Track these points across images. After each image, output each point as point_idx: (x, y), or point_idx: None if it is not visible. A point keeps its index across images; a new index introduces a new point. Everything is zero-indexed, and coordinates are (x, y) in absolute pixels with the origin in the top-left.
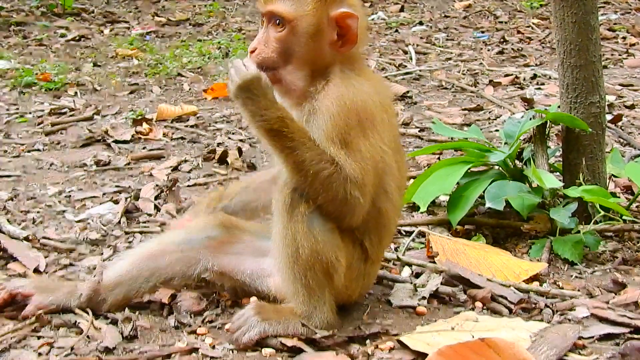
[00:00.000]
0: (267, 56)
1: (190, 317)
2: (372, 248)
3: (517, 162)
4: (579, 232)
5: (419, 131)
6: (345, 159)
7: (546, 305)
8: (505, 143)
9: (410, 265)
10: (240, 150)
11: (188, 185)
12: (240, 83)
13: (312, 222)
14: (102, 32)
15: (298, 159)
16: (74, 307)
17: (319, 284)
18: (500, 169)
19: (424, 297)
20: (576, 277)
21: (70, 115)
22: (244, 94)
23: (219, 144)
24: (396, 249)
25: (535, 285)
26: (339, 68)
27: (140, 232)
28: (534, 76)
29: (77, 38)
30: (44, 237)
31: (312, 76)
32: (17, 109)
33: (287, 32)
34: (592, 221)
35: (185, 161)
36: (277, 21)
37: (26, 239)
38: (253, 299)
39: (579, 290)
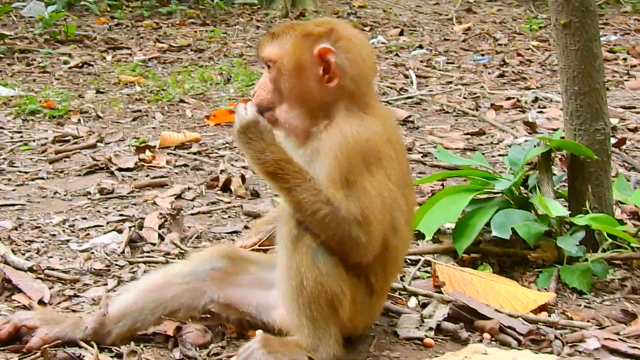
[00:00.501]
0: (263, 98)
1: (196, 350)
2: (377, 282)
3: (522, 189)
4: (586, 260)
5: (422, 156)
6: (342, 199)
7: (556, 337)
8: (510, 170)
9: (416, 295)
10: (243, 178)
11: (192, 214)
12: (239, 127)
13: (316, 255)
14: (104, 58)
15: (295, 199)
16: (79, 340)
17: (323, 317)
18: (506, 196)
19: (431, 328)
20: (585, 306)
21: (74, 143)
22: (242, 137)
23: (222, 171)
24: (402, 279)
25: (543, 315)
26: (344, 106)
27: (145, 262)
28: (536, 99)
29: (80, 65)
30: (48, 268)
31: (312, 115)
32: (21, 136)
33: (275, 72)
34: (600, 249)
35: (189, 189)
36: (268, 65)
37: (30, 269)
38: (259, 331)
39: (588, 321)
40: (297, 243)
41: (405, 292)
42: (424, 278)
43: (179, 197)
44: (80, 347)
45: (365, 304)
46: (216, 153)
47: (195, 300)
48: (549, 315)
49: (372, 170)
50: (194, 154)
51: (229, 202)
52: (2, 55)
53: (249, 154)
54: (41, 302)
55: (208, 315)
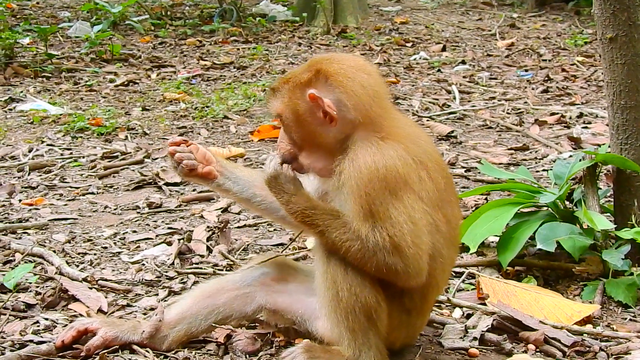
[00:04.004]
0: (284, 150)
1: (246, 357)
2: (412, 303)
3: (567, 203)
4: (632, 274)
5: (465, 171)
6: (369, 231)
7: (601, 349)
8: (555, 184)
9: (460, 306)
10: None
11: (238, 227)
12: (266, 182)
13: (349, 266)
14: (149, 76)
15: (328, 240)
16: (136, 342)
17: (361, 327)
18: (550, 210)
19: (475, 339)
20: (630, 319)
21: (122, 159)
22: (270, 190)
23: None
24: (446, 290)
25: (588, 327)
26: (359, 136)
27: (194, 273)
28: (580, 115)
29: (125, 83)
30: (102, 279)
31: (332, 154)
32: (71, 153)
33: (285, 125)
34: None
35: (235, 203)
36: (277, 118)
37: (85, 280)
38: (305, 340)
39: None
40: (330, 256)
41: (450, 304)
42: (468, 290)
43: (225, 210)
44: (135, 352)
45: (402, 321)
46: (261, 167)
47: (245, 306)
48: (594, 327)
49: (398, 196)
50: None
51: None
52: (50, 75)
53: (280, 205)
54: (100, 311)
55: (257, 324)
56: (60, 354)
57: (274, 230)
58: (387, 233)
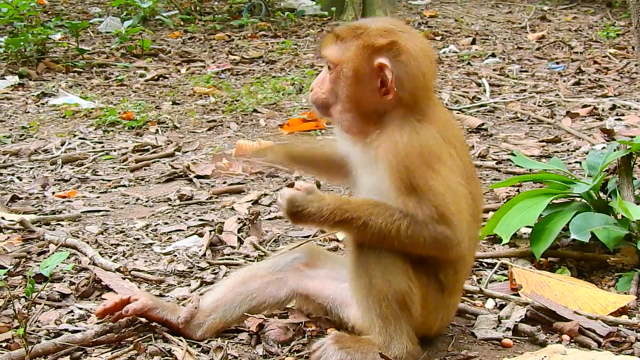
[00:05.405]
0: (319, 96)
1: (278, 346)
2: (447, 280)
3: (601, 194)
4: None
5: (496, 163)
6: (415, 205)
7: (637, 339)
8: (589, 175)
9: (493, 297)
10: (318, 184)
11: (269, 219)
12: (286, 212)
13: (382, 252)
14: (179, 71)
15: (374, 229)
16: (172, 323)
17: (394, 315)
18: (584, 200)
19: (508, 329)
20: None
21: (153, 152)
22: (294, 215)
23: (296, 178)
24: (479, 281)
25: (624, 318)
26: (399, 114)
27: (225, 264)
28: (613, 107)
29: (155, 77)
30: (134, 269)
31: (366, 120)
32: (103, 146)
33: (334, 75)
34: None
35: (265, 195)
36: (329, 65)
37: (118, 270)
38: (335, 331)
39: None
40: (364, 243)
41: (482, 295)
42: (500, 281)
43: (255, 202)
44: (169, 341)
45: (438, 302)
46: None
47: (278, 291)
48: (629, 318)
49: (435, 169)
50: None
51: None
52: (81, 70)
53: (311, 221)
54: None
55: (288, 312)
56: (95, 340)
57: None
58: (432, 204)
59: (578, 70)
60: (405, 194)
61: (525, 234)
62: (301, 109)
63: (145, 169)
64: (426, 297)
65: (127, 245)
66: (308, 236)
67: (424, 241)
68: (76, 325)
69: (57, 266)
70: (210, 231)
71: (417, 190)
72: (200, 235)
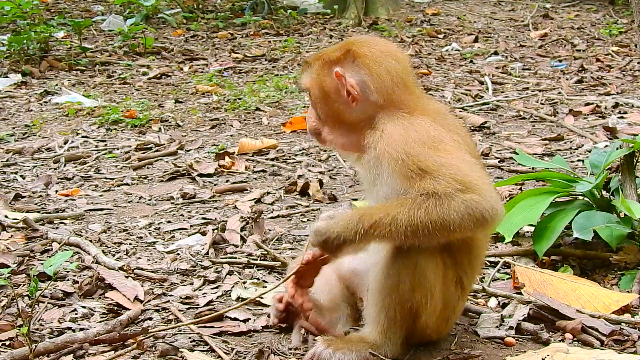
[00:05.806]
0: (310, 124)
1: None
2: (467, 281)
3: (603, 192)
4: None
5: (499, 162)
6: (433, 183)
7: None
8: (591, 173)
9: (496, 296)
10: (321, 182)
11: (271, 217)
12: (319, 248)
13: (419, 259)
14: (181, 69)
15: (404, 223)
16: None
17: (403, 319)
18: (587, 199)
19: (511, 328)
20: None
21: (156, 151)
22: (325, 248)
23: (299, 176)
24: (481, 280)
25: (626, 316)
26: (386, 114)
27: (228, 263)
28: (616, 104)
29: (158, 76)
30: (137, 268)
31: (355, 131)
32: (105, 145)
33: (312, 100)
34: None
35: (268, 193)
36: (307, 92)
37: (121, 269)
38: (318, 337)
39: None
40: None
41: (485, 293)
42: (503, 280)
43: (258, 201)
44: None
45: (456, 307)
46: (293, 159)
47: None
48: (632, 317)
49: (439, 149)
50: (272, 160)
51: (307, 206)
52: (84, 68)
53: (344, 241)
54: (136, 299)
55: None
56: (98, 338)
57: (307, 220)
58: (449, 177)
59: (581, 68)
60: (418, 179)
61: (527, 232)
62: (304, 107)
63: (148, 168)
64: (447, 303)
65: (130, 244)
66: None
67: (457, 217)
68: (79, 324)
69: (61, 265)
70: (213, 230)
71: (428, 171)
72: (203, 233)
